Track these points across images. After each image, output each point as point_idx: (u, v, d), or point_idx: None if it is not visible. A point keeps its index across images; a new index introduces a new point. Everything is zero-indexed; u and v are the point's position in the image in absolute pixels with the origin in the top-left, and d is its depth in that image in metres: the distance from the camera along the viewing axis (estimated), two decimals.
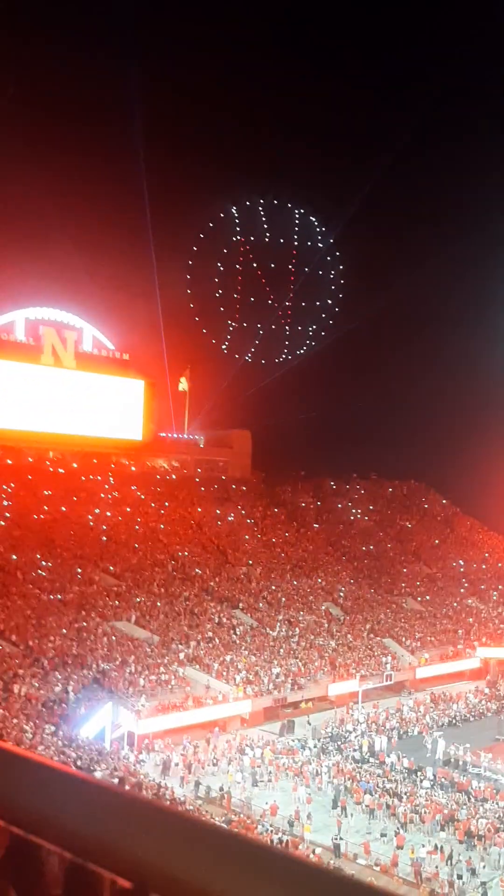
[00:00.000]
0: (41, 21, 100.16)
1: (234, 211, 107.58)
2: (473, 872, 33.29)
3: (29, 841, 1.35)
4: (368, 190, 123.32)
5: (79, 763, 36.82)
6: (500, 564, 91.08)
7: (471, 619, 76.12)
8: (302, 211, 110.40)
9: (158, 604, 60.45)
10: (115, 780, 35.88)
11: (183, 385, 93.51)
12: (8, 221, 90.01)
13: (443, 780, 43.51)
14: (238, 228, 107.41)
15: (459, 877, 32.92)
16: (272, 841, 33.67)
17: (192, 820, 1.28)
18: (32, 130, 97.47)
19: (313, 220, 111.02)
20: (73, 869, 1.34)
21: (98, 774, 35.97)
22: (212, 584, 67.29)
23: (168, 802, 35.12)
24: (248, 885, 1.12)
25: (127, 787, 34.68)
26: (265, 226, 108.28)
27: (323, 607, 70.26)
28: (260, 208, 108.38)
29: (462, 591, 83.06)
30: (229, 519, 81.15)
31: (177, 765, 43.18)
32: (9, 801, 1.38)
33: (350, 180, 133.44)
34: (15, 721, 39.73)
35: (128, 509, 74.72)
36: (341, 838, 35.50)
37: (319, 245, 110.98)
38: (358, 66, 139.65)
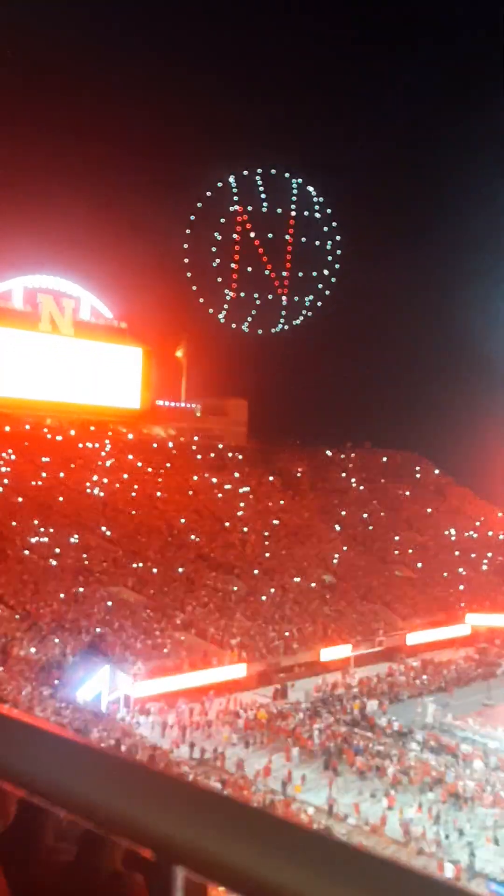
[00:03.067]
0: None
1: (231, 180, 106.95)
2: (461, 832, 34.21)
3: (49, 812, 1.53)
4: (368, 159, 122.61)
5: (76, 724, 37.70)
6: (490, 533, 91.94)
7: (461, 587, 77.05)
8: (300, 181, 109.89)
9: (154, 570, 61.24)
10: (112, 742, 36.77)
11: (179, 353, 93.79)
12: (6, 188, 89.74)
13: (432, 742, 44.46)
14: (236, 198, 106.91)
15: (447, 836, 33.88)
16: (264, 802, 34.60)
17: (222, 797, 1.28)
18: (29, 96, 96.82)
19: (311, 189, 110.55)
20: (94, 840, 1.47)
21: (94, 736, 36.86)
22: (207, 550, 68.10)
23: (163, 764, 36.00)
24: (282, 865, 1.09)
25: (123, 749, 35.60)
26: (263, 195, 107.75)
27: (317, 574, 71.12)
28: (258, 178, 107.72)
29: (453, 559, 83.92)
30: (225, 487, 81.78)
31: (172, 727, 44.07)
32: (30, 774, 1.41)
33: (350, 149, 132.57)
34: (13, 683, 40.61)
35: (125, 476, 75.29)
36: (335, 799, 36.43)
37: (317, 215, 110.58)
38: (358, 32, 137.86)
